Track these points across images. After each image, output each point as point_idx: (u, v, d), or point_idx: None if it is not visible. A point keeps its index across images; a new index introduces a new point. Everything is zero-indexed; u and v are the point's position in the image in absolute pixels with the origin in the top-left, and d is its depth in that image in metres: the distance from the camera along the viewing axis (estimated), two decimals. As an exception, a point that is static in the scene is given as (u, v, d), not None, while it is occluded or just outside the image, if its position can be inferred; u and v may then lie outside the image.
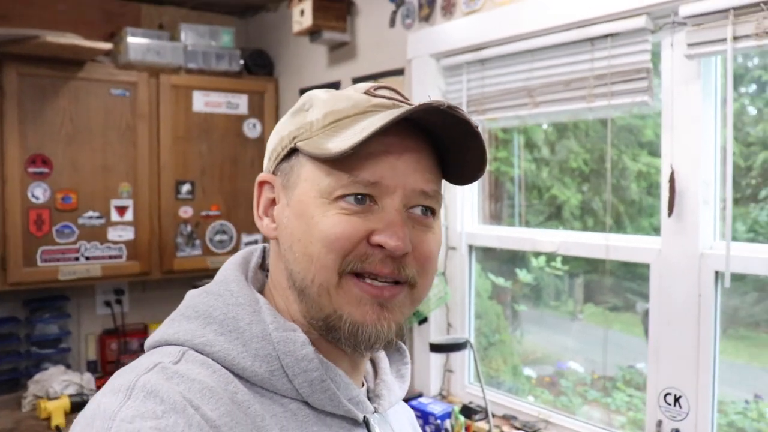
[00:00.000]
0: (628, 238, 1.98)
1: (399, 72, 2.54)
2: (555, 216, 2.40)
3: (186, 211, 2.99)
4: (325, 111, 0.76)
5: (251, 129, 3.16)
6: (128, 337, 3.11)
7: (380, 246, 0.71)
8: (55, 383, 2.70)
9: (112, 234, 2.84)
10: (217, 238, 3.08)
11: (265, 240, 0.86)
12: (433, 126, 0.74)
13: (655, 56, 1.83)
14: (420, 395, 2.36)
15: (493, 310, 2.57)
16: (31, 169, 2.67)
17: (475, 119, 2.29)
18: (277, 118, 3.21)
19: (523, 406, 2.26)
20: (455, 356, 2.46)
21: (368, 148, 0.70)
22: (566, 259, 2.30)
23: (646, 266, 1.87)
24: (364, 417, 0.78)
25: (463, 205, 2.45)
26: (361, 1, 2.76)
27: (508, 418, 2.21)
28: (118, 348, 3.08)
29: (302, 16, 2.72)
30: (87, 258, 2.79)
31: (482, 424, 2.16)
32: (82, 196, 2.77)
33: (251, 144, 3.16)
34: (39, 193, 2.69)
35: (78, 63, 2.76)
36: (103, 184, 2.81)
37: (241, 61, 3.18)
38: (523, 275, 2.45)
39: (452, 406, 2.20)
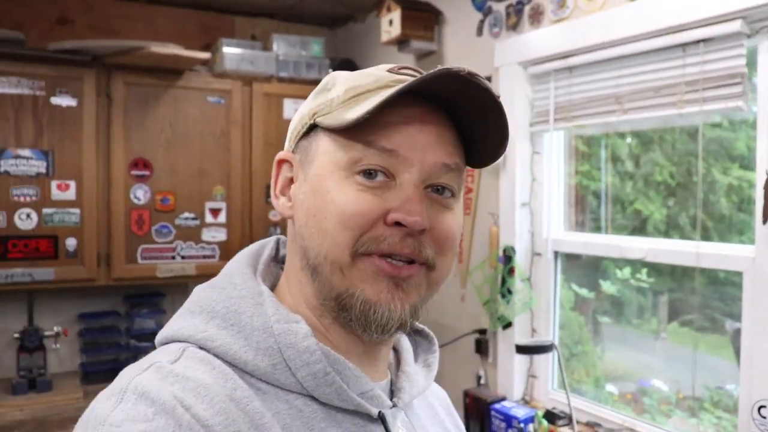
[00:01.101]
0: (720, 246, 1.94)
1: (486, 80, 2.57)
2: (639, 230, 2.37)
3: (275, 215, 3.10)
4: (346, 87, 0.74)
5: (338, 136, 3.25)
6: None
7: (397, 224, 0.69)
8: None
9: (206, 235, 2.98)
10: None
11: (283, 231, 0.89)
12: (453, 100, 0.71)
13: (751, 62, 1.79)
14: (503, 399, 2.37)
15: (576, 321, 2.55)
16: (133, 172, 2.84)
17: (562, 125, 2.30)
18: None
19: (608, 414, 2.24)
20: (539, 362, 2.46)
21: (387, 117, 0.69)
22: (651, 273, 2.27)
23: (736, 285, 1.83)
24: (380, 412, 0.73)
25: (549, 212, 2.46)
26: (448, 10, 2.81)
27: (591, 425, 2.19)
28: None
29: (391, 26, 2.79)
30: (182, 257, 2.94)
31: (566, 430, 2.16)
32: (179, 198, 2.93)
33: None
34: (140, 194, 2.86)
35: (177, 72, 2.92)
36: (198, 187, 2.96)
37: (330, 70, 3.28)
38: (606, 287, 2.42)
39: (535, 411, 2.20)
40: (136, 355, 3.10)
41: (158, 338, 0.74)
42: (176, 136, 2.92)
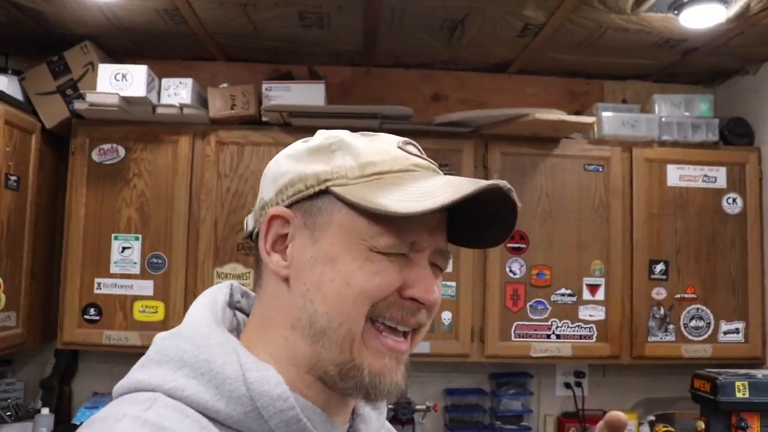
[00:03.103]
0: None
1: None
2: None
3: (659, 293, 2.76)
4: (362, 161, 0.75)
5: (731, 205, 2.83)
6: (588, 422, 2.94)
7: (412, 299, 0.74)
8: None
9: (583, 313, 2.74)
10: (693, 323, 2.77)
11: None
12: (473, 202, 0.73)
13: None
14: None
15: None
16: (509, 245, 2.74)
17: None
18: (761, 193, 2.84)
19: None
20: None
21: None
22: None
23: None
24: None
25: None
26: None
27: None
28: (577, 434, 2.94)
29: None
30: (557, 336, 2.73)
31: None
32: (555, 272, 2.74)
33: (731, 221, 2.82)
34: (516, 268, 2.74)
35: (554, 140, 2.79)
36: (576, 262, 2.75)
37: (717, 131, 2.90)
38: None
39: None
40: (500, 437, 2.93)
41: (118, 389, 0.72)
42: (553, 207, 2.77)
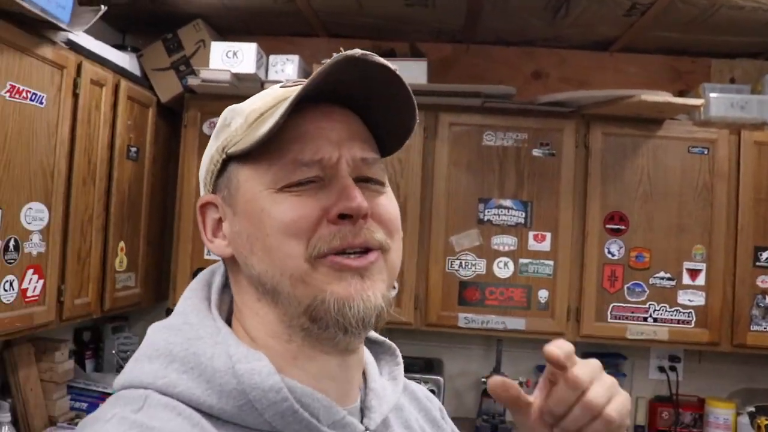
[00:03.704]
0: None
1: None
2: None
3: (764, 281, 2.68)
4: (247, 113, 0.74)
5: None
6: (681, 408, 2.92)
7: (341, 217, 0.69)
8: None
9: (682, 297, 2.70)
10: (799, 313, 2.69)
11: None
12: (356, 91, 0.72)
13: None
14: None
15: None
16: (609, 226, 2.72)
17: None
18: None
19: None
20: None
21: (298, 128, 0.71)
22: None
23: None
24: None
25: None
26: None
27: None
28: (670, 418, 2.92)
29: None
30: (654, 320, 2.70)
31: None
32: (654, 255, 2.71)
33: (844, 208, 2.72)
34: (615, 249, 2.72)
35: (658, 122, 2.74)
36: (676, 245, 2.71)
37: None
38: None
39: None
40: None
41: (116, 384, 0.71)
42: (654, 189, 2.72)
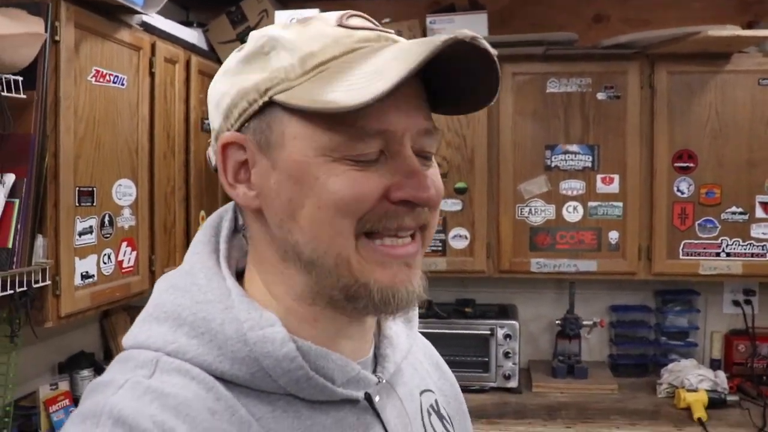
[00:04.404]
0: None
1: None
2: None
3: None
4: (300, 54, 0.64)
5: None
6: (758, 340, 2.94)
7: (404, 201, 0.64)
8: (691, 376, 2.72)
9: (756, 231, 2.71)
10: None
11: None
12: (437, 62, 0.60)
13: None
14: None
15: None
16: (677, 164, 2.74)
17: None
18: None
19: None
20: None
21: None
22: None
23: None
24: (366, 393, 0.70)
25: None
26: None
27: None
28: (746, 350, 2.95)
29: None
30: (728, 254, 2.73)
31: None
32: (725, 191, 2.72)
33: None
34: (684, 187, 2.74)
35: (725, 56, 2.71)
36: (747, 179, 2.70)
37: None
38: None
39: None
40: (665, 353, 3.01)
41: (125, 342, 0.69)
42: (723, 124, 2.72)
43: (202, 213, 2.76)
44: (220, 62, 2.95)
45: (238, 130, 0.68)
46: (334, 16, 0.67)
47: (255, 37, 0.69)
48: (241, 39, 2.99)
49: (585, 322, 2.95)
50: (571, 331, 2.95)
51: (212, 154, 0.73)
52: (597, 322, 2.95)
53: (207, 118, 2.80)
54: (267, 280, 0.70)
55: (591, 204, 2.79)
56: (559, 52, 2.74)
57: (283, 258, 0.68)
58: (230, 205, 0.77)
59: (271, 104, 0.65)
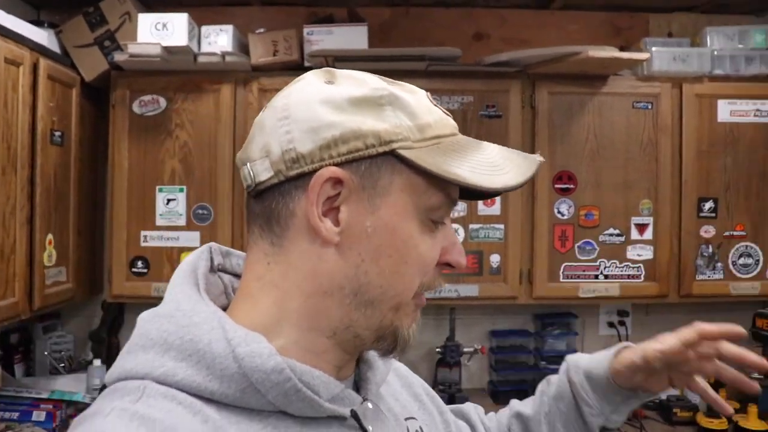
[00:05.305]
0: None
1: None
2: None
3: (707, 231, 2.73)
4: (419, 122, 0.70)
5: (783, 139, 2.77)
6: (633, 361, 2.96)
7: (448, 264, 0.73)
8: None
9: (631, 252, 2.72)
10: (741, 261, 2.75)
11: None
12: None
13: None
14: None
15: None
16: (557, 185, 2.71)
17: None
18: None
19: None
20: None
21: None
22: None
23: None
24: (352, 411, 0.72)
25: None
26: None
27: None
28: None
29: None
30: (606, 276, 2.72)
31: None
32: (603, 212, 2.72)
33: (785, 156, 2.77)
34: (564, 209, 2.71)
35: (602, 78, 2.72)
36: (624, 201, 2.72)
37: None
38: None
39: None
40: (544, 377, 2.95)
41: (108, 378, 0.69)
42: (601, 146, 2.72)
43: (50, 236, 2.42)
44: (75, 68, 2.64)
45: (337, 164, 0.68)
46: (423, 92, 0.75)
47: (370, 85, 0.71)
48: (100, 43, 2.66)
49: (465, 349, 2.85)
50: (452, 359, 2.84)
51: (261, 168, 0.70)
52: (478, 349, 2.86)
53: (57, 129, 2.49)
54: (284, 308, 0.70)
55: (472, 226, 2.70)
56: (441, 69, 2.64)
57: (329, 292, 0.70)
58: (204, 248, 0.79)
59: (387, 154, 0.68)
